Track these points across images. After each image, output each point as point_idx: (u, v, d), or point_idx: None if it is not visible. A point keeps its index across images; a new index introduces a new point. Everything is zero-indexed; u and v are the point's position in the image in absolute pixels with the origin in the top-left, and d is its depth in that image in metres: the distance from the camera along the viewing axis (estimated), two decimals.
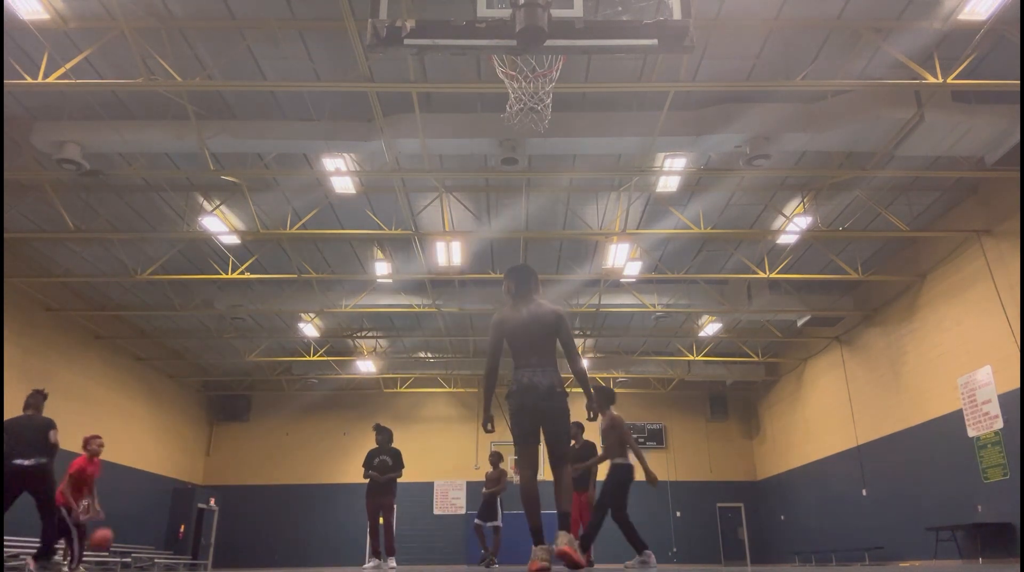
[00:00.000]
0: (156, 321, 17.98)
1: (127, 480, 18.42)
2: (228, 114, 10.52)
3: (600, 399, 7.52)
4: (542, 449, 4.54)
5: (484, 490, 11.51)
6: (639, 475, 7.47)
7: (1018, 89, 8.83)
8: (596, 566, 9.95)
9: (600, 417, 7.52)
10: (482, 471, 22.05)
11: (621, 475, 7.25)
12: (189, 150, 10.50)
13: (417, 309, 16.22)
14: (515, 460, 11.50)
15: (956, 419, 13.06)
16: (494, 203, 13.12)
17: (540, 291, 4.87)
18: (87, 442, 9.40)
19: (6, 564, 11.84)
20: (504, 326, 4.65)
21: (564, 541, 4.24)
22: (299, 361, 20.56)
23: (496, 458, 11.72)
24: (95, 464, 9.31)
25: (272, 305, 15.96)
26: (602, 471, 8.09)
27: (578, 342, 19.95)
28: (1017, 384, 11.36)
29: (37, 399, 8.09)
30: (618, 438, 7.37)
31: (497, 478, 11.41)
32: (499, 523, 11.42)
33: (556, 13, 4.30)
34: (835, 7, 8.68)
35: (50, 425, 7.88)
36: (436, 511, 21.98)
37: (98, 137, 10.14)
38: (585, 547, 7.05)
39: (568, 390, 4.66)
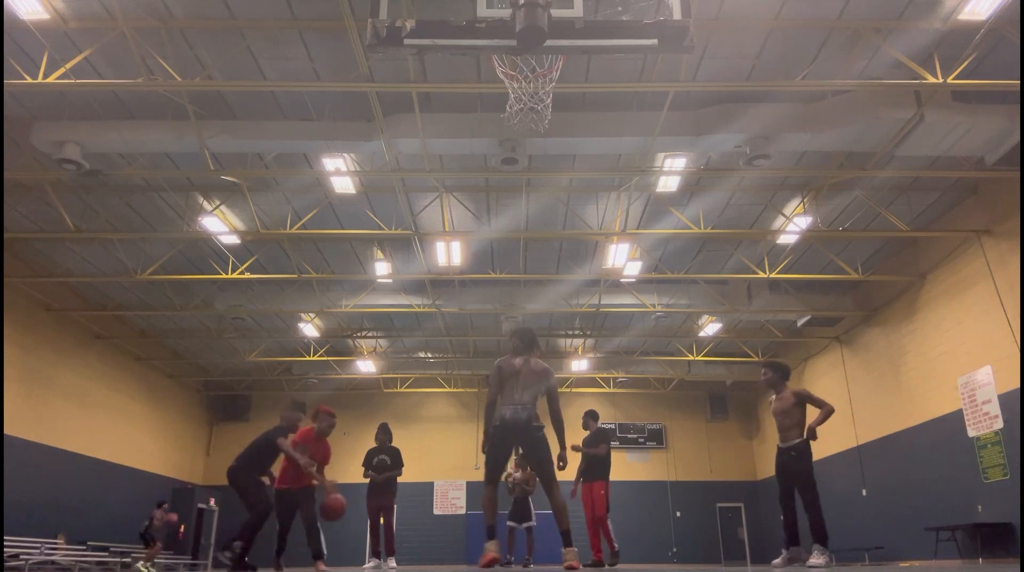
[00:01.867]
0: (156, 321, 17.98)
1: (127, 480, 18.43)
2: (228, 114, 10.52)
3: (778, 376, 7.17)
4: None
5: (510, 492, 11.54)
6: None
7: (1018, 89, 8.82)
8: (620, 566, 9.79)
9: (774, 396, 7.15)
10: (483, 471, 22.11)
11: (808, 451, 6.80)
12: (189, 150, 10.50)
13: (417, 309, 16.22)
14: (515, 460, 11.64)
15: (956, 419, 13.05)
16: (494, 203, 13.12)
17: (538, 350, 5.80)
18: (315, 414, 7.67)
19: (6, 564, 11.84)
20: (503, 370, 5.59)
21: (571, 556, 5.11)
22: (299, 361, 20.55)
23: (523, 460, 11.73)
24: (324, 447, 7.63)
25: (272, 305, 15.96)
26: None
27: (578, 342, 19.99)
28: (1017, 384, 11.36)
29: (289, 411, 7.74)
30: (802, 415, 6.89)
31: (527, 479, 11.47)
32: (533, 523, 11.51)
33: (556, 13, 4.30)
34: (835, 7, 8.67)
35: (271, 434, 7.42)
36: (436, 511, 21.98)
37: (98, 137, 10.14)
38: (824, 539, 6.54)
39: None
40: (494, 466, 5.46)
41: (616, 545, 9.02)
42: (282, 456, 7.35)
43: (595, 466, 9.01)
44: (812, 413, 6.93)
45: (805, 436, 6.73)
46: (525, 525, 11.53)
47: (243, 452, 7.62)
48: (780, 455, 6.97)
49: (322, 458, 7.54)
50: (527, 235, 13.59)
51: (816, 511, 6.57)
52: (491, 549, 5.13)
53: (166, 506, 15.77)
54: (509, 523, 11.57)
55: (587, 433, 9.26)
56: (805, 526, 6.62)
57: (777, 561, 6.92)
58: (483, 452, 5.57)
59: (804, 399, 6.94)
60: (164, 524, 15.63)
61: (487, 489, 5.48)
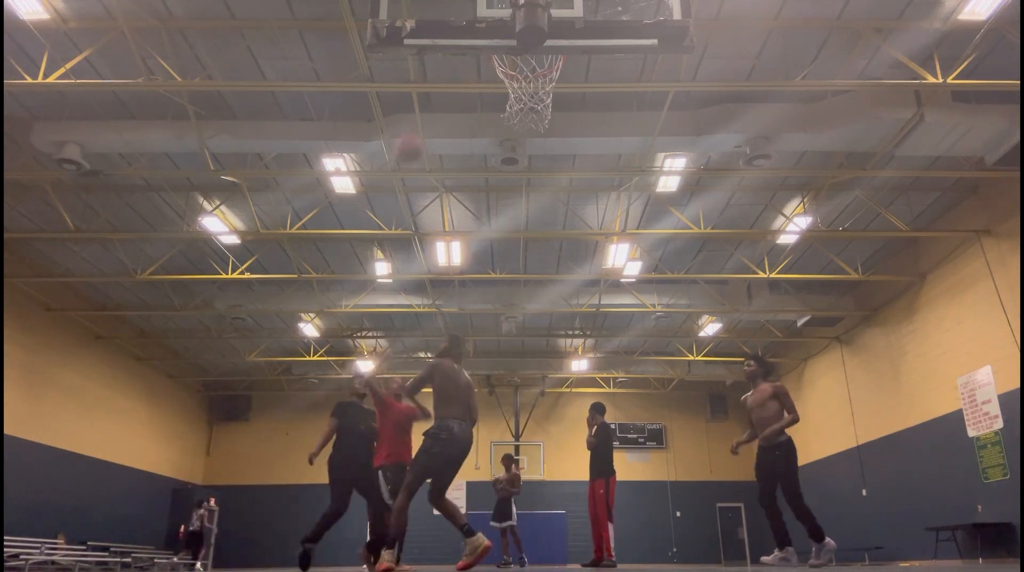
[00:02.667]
0: (156, 321, 17.98)
1: (127, 480, 18.43)
2: (228, 114, 10.52)
3: (761, 370, 6.97)
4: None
5: (497, 492, 11.54)
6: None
7: (1018, 89, 8.83)
8: (620, 566, 9.70)
9: (754, 390, 6.95)
10: (483, 471, 22.12)
11: (794, 450, 6.60)
12: (189, 150, 10.50)
13: (417, 309, 16.21)
14: (502, 461, 11.70)
15: (956, 419, 13.05)
16: (494, 203, 13.12)
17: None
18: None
19: (6, 564, 11.84)
20: (443, 371, 5.53)
21: (474, 548, 5.14)
22: (299, 361, 20.55)
23: (509, 461, 11.87)
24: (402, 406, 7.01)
25: (272, 305, 15.95)
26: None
27: (578, 342, 20.00)
28: (1017, 384, 11.36)
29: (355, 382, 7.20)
30: (780, 410, 6.68)
31: (512, 480, 11.51)
32: (514, 522, 11.52)
33: (556, 13, 4.29)
34: (835, 7, 8.67)
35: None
36: (436, 511, 21.94)
37: (98, 137, 10.14)
38: (820, 536, 6.45)
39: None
40: (425, 478, 5.27)
41: (612, 552, 8.77)
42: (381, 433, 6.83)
43: (595, 464, 8.86)
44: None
45: (779, 439, 6.62)
46: (506, 524, 11.54)
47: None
48: (763, 453, 6.81)
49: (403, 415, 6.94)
50: (527, 235, 13.59)
51: (804, 510, 6.46)
52: (386, 558, 5.14)
53: (207, 505, 17.51)
54: (492, 524, 11.57)
55: (593, 429, 9.07)
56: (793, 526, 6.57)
57: (769, 558, 6.81)
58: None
59: (780, 393, 6.77)
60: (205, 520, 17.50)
61: (405, 497, 5.23)
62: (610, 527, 8.74)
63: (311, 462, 6.79)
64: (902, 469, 14.88)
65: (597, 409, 9.13)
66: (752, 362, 7.12)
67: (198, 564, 17.20)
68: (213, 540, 20.09)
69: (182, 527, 18.34)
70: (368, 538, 6.73)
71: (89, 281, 15.43)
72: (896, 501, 15.05)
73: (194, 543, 17.49)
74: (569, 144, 10.47)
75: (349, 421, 6.76)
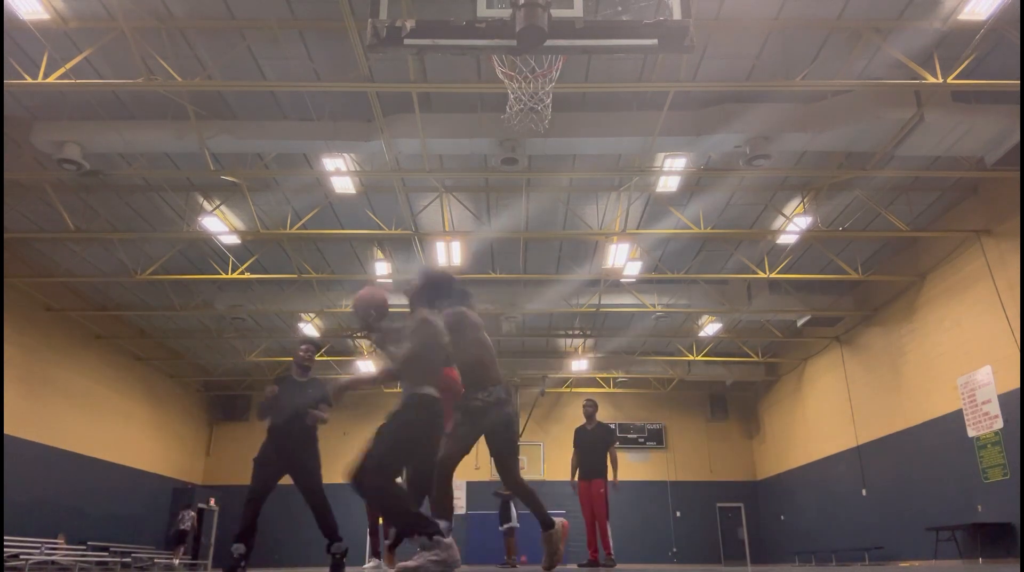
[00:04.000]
0: (156, 321, 17.97)
1: (127, 480, 18.43)
2: (228, 114, 10.52)
3: (430, 293, 4.49)
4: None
5: (499, 492, 11.45)
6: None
7: (1018, 89, 8.83)
8: (620, 566, 9.60)
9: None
10: (483, 471, 22.10)
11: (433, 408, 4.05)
12: (189, 150, 10.51)
13: None
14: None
15: (956, 419, 13.05)
16: (494, 203, 13.12)
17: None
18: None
19: (6, 564, 11.84)
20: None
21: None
22: None
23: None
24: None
25: (272, 305, 15.95)
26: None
27: (578, 342, 20.00)
28: (1017, 384, 11.36)
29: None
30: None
31: None
32: (515, 524, 11.44)
33: (556, 13, 4.29)
34: (835, 7, 8.67)
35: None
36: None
37: (98, 137, 10.14)
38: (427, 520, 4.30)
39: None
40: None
41: (612, 551, 8.56)
42: None
43: (595, 462, 8.68)
44: None
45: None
46: (508, 526, 11.46)
47: None
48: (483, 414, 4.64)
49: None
50: (527, 235, 13.59)
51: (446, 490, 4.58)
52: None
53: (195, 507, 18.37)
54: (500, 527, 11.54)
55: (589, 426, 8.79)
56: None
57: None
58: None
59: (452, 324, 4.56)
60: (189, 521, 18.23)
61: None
62: (609, 527, 8.68)
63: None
64: (902, 469, 14.88)
65: (594, 405, 8.94)
66: (419, 278, 4.55)
67: (176, 561, 17.28)
68: (213, 541, 20.15)
69: (182, 527, 18.44)
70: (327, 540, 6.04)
71: (89, 281, 15.43)
72: (896, 501, 15.05)
73: (183, 541, 17.73)
74: (569, 144, 10.47)
75: (281, 396, 6.10)
